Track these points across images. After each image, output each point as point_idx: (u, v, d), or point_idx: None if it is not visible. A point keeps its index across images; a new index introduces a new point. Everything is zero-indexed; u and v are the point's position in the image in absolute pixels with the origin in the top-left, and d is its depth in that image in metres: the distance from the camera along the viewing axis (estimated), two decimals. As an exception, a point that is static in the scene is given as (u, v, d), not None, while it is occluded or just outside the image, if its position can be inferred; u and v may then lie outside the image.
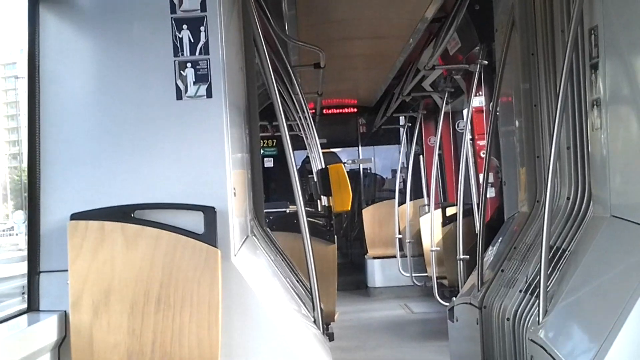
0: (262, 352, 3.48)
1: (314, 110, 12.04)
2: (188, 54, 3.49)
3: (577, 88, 3.97)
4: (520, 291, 4.26)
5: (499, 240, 5.21)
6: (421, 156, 12.86)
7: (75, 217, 3.42)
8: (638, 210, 3.17)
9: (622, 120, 3.33)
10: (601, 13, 3.44)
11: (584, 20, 3.67)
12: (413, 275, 11.60)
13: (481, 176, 7.45)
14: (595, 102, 3.59)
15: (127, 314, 3.36)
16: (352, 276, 13.61)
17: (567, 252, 3.85)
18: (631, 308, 2.81)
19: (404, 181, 12.94)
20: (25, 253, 3.55)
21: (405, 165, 13.23)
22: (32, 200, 3.52)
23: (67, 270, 3.38)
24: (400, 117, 13.74)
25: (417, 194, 12.78)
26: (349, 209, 6.46)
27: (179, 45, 3.49)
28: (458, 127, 11.29)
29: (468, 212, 8.01)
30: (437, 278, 9.33)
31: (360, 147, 15.30)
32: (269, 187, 13.49)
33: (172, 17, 3.49)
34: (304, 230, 3.95)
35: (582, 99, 3.90)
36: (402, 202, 12.42)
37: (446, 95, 9.03)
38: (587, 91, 3.75)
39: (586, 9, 3.62)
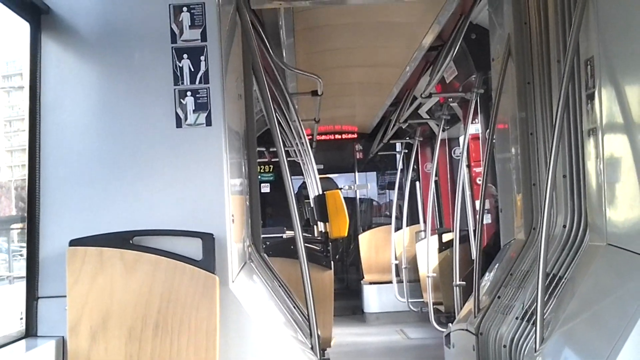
0: (259, 379, 3.49)
1: (311, 137, 12.07)
2: (188, 83, 3.53)
3: (573, 117, 4.00)
4: (517, 318, 4.26)
5: (496, 267, 5.22)
6: (417, 182, 12.89)
7: (74, 243, 3.44)
8: (634, 238, 3.19)
9: (618, 150, 3.36)
10: (597, 44, 3.49)
11: (580, 50, 3.71)
12: (409, 300, 11.57)
13: (477, 203, 7.49)
14: (591, 132, 3.63)
15: (125, 339, 3.37)
16: (348, 301, 13.58)
17: (563, 280, 3.87)
18: (628, 335, 2.83)
19: (400, 207, 12.95)
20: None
21: (402, 191, 13.25)
22: (31, 226, 3.54)
23: (65, 296, 3.40)
24: (397, 144, 13.78)
25: (413, 219, 12.79)
26: (346, 235, 6.48)
27: (179, 74, 3.53)
28: (454, 154, 11.33)
29: (464, 239, 8.02)
30: (433, 304, 9.31)
31: (357, 173, 15.33)
32: (266, 212, 13.50)
33: (172, 47, 3.53)
34: (301, 257, 3.97)
35: (578, 128, 3.94)
36: (398, 227, 12.42)
37: (443, 123, 9.08)
38: (583, 120, 3.79)
39: (582, 40, 3.67)
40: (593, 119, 3.58)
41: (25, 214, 3.58)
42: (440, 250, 9.41)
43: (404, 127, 11.46)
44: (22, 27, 3.54)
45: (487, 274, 5.34)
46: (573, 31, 3.65)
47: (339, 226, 6.20)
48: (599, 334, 3.15)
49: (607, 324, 3.11)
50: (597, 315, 3.29)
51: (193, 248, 3.47)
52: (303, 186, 11.53)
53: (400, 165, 13.36)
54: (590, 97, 3.61)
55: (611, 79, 3.37)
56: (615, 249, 3.34)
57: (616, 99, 3.33)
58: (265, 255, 4.92)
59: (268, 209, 13.71)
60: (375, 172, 16.08)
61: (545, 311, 3.69)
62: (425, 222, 11.22)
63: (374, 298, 12.82)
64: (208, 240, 3.47)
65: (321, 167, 12.19)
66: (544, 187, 4.04)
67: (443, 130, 9.36)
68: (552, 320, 3.62)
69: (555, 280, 3.93)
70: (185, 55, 3.54)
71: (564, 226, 4.16)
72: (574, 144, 4.04)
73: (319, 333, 4.12)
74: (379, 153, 14.22)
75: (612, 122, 3.41)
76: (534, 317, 3.68)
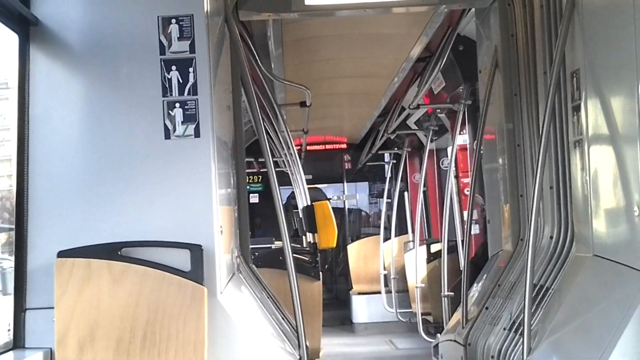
0: (247, 390, 3.50)
1: (299, 147, 12.08)
2: (177, 94, 3.54)
3: (559, 129, 4.03)
4: (504, 329, 4.28)
5: (484, 278, 5.24)
6: (406, 193, 12.91)
7: (62, 254, 3.43)
8: (619, 249, 3.21)
9: (603, 161, 3.39)
10: (583, 57, 3.51)
11: (566, 63, 3.74)
12: (398, 311, 11.58)
13: (465, 213, 7.50)
14: (577, 143, 3.65)
15: (112, 351, 3.36)
16: (337, 312, 13.58)
17: (550, 291, 3.89)
18: (614, 345, 2.84)
19: (389, 217, 12.97)
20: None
21: (390, 202, 13.27)
22: (19, 237, 3.54)
23: (53, 308, 3.39)
24: (385, 154, 13.81)
25: (401, 230, 12.81)
26: (334, 245, 6.49)
27: (167, 86, 3.54)
28: (443, 164, 11.36)
29: (452, 249, 8.03)
30: (421, 314, 9.32)
31: (345, 183, 15.35)
32: (254, 222, 13.49)
33: (161, 59, 3.55)
34: (289, 268, 3.98)
35: (565, 139, 3.97)
36: (387, 238, 12.44)
37: (431, 133, 9.10)
38: (569, 132, 3.82)
39: (568, 53, 3.70)
40: (579, 131, 3.61)
41: (13, 226, 3.58)
42: (429, 260, 9.41)
43: (392, 138, 11.49)
44: (8, 38, 3.55)
45: (475, 284, 5.36)
46: (559, 44, 3.68)
47: (328, 237, 6.22)
48: (585, 344, 3.16)
49: (593, 334, 3.12)
50: (583, 325, 3.30)
51: (181, 259, 3.47)
52: (292, 196, 11.53)
53: (388, 176, 13.38)
54: (576, 109, 3.63)
55: (596, 91, 3.40)
56: (602, 260, 3.36)
57: (601, 111, 3.36)
58: (253, 266, 4.92)
59: (257, 220, 13.70)
60: (365, 182, 16.10)
61: (532, 322, 3.70)
62: (413, 232, 11.23)
63: (363, 308, 12.82)
64: (196, 251, 3.47)
65: (310, 177, 12.19)
66: (531, 198, 4.06)
67: (431, 141, 9.37)
68: (540, 331, 3.64)
69: (543, 291, 3.95)
70: (173, 67, 3.55)
71: (551, 237, 4.18)
72: (561, 155, 4.06)
73: (308, 344, 4.13)
74: (367, 163, 14.24)
75: (597, 133, 3.44)
76: (522, 327, 3.70)
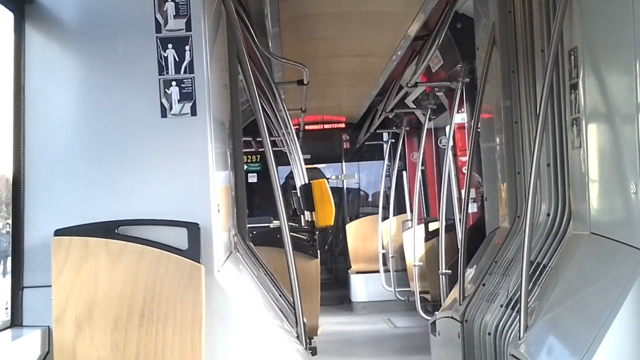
0: (245, 368, 3.51)
1: (297, 126, 12.08)
2: (173, 73, 3.53)
3: (557, 106, 4.02)
4: (501, 306, 4.30)
5: (481, 255, 5.25)
6: (404, 172, 12.92)
7: (59, 233, 3.44)
8: (616, 227, 3.22)
9: (600, 139, 3.39)
10: (581, 34, 3.50)
11: (564, 40, 3.73)
12: (396, 289, 11.63)
13: (463, 192, 7.51)
14: (574, 121, 3.65)
15: (110, 329, 3.37)
16: (336, 291, 13.65)
17: (547, 268, 3.90)
18: (611, 323, 2.85)
19: (387, 197, 12.99)
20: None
21: (389, 181, 13.29)
22: (16, 215, 3.54)
23: (50, 286, 3.40)
24: (384, 133, 13.81)
25: (400, 209, 12.83)
26: (332, 224, 6.50)
27: (164, 64, 3.53)
28: (441, 143, 11.36)
29: (450, 227, 8.05)
30: (419, 292, 9.36)
31: (344, 163, 15.36)
32: (253, 202, 13.51)
33: (157, 37, 3.53)
34: (286, 246, 3.98)
35: (562, 117, 3.96)
36: (385, 217, 12.46)
37: (429, 112, 9.10)
38: (566, 110, 3.81)
39: (566, 30, 3.69)
40: (576, 109, 3.61)
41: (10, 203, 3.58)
42: (427, 239, 9.44)
43: (390, 117, 11.49)
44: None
45: (472, 262, 5.37)
46: (557, 21, 3.67)
47: (325, 215, 6.24)
48: (582, 321, 3.18)
49: (590, 311, 3.14)
50: (580, 302, 3.31)
51: (178, 237, 3.47)
52: (290, 176, 11.55)
53: (387, 155, 13.38)
54: (574, 87, 3.63)
55: (594, 69, 3.39)
56: (598, 238, 3.37)
57: (599, 89, 3.35)
58: (251, 244, 4.93)
59: (255, 199, 13.73)
60: (365, 162, 16.09)
61: (529, 299, 3.72)
62: (412, 211, 11.25)
63: (361, 287, 12.88)
64: (193, 229, 3.48)
65: (308, 156, 12.20)
66: (528, 176, 4.06)
67: (429, 120, 9.38)
68: (536, 308, 3.65)
69: (540, 269, 3.96)
70: (170, 45, 3.53)
71: (548, 214, 4.18)
72: (558, 133, 4.06)
73: (305, 322, 4.14)
74: (366, 143, 14.24)
75: (594, 111, 3.43)
76: (518, 304, 3.71)
